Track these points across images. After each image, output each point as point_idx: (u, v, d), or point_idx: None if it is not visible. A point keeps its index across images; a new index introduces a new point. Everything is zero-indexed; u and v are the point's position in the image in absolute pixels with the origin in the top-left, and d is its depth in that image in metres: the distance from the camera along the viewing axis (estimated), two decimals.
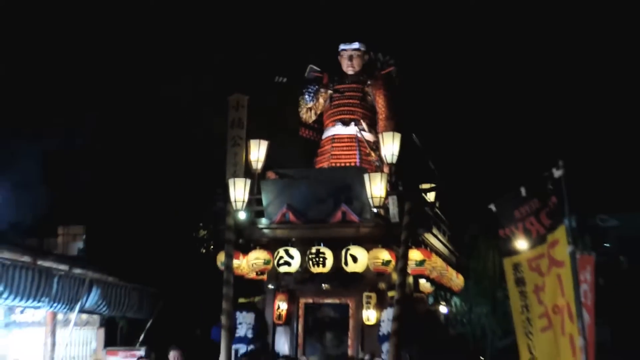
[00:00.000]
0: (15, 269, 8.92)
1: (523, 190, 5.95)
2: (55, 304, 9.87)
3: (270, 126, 12.60)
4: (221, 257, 10.81)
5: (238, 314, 10.92)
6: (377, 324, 10.44)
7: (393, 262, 10.31)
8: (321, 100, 12.61)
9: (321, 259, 10.62)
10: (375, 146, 11.76)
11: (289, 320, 11.10)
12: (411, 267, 10.44)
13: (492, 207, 6.44)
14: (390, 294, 10.27)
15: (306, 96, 12.63)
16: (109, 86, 18.45)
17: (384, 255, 10.35)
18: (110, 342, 13.27)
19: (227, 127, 11.89)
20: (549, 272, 5.65)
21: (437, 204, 12.22)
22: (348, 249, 10.53)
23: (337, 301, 11.08)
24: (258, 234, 11.33)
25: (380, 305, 10.59)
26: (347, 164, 11.91)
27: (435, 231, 11.77)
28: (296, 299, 11.21)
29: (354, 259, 10.49)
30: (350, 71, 12.70)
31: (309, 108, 12.67)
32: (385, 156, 11.03)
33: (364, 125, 12.21)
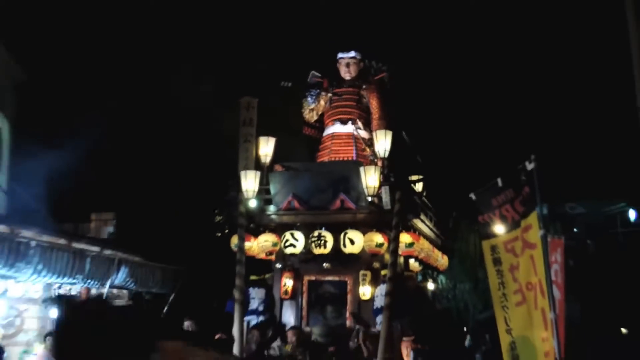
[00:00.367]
0: (53, 251, 8.94)
1: (499, 181, 5.95)
2: (88, 281, 9.89)
3: (277, 125, 12.53)
4: (234, 240, 10.80)
5: (250, 289, 10.89)
6: (372, 299, 10.41)
7: (386, 244, 10.28)
8: (322, 102, 12.57)
9: (322, 242, 10.61)
10: (370, 142, 11.73)
11: (294, 295, 11.08)
12: (402, 248, 10.42)
13: (473, 196, 6.42)
14: (383, 272, 10.25)
15: (309, 99, 12.59)
16: (138, 91, 18.52)
17: (378, 238, 10.34)
18: None
19: (239, 126, 11.86)
20: (522, 253, 5.64)
21: (424, 193, 12.18)
22: (346, 233, 10.51)
23: (336, 279, 11.06)
24: (267, 220, 11.30)
25: (375, 282, 10.56)
26: (345, 159, 11.87)
27: (422, 217, 11.74)
28: (300, 277, 11.19)
29: (351, 242, 10.48)
30: (347, 77, 12.65)
31: (311, 109, 12.63)
32: (378, 151, 11.00)
33: (360, 124, 12.17)
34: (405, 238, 10.43)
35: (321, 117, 12.77)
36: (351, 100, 12.41)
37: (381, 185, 10.46)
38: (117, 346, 6.54)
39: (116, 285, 10.97)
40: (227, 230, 15.65)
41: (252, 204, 11.01)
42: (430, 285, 17.12)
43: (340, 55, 12.74)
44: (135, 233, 14.05)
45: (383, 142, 10.90)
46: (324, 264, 10.91)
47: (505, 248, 5.94)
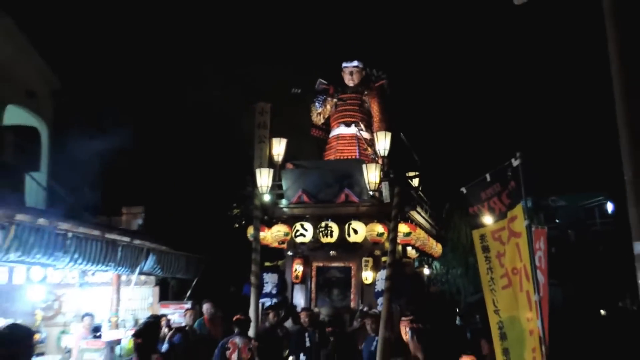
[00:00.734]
0: (88, 241, 8.89)
1: (488, 176, 5.90)
2: (119, 268, 9.84)
3: (288, 127, 12.49)
4: (250, 230, 10.77)
5: (264, 274, 10.88)
6: (373, 283, 10.39)
7: (385, 234, 10.23)
8: (328, 106, 12.57)
9: (329, 232, 10.58)
10: (371, 143, 11.69)
11: (304, 279, 11.06)
12: (400, 237, 10.35)
13: (464, 189, 6.38)
14: (384, 259, 10.20)
15: (316, 103, 12.61)
16: (165, 95, 18.60)
17: (379, 228, 10.30)
18: (163, 297, 13.30)
19: (254, 128, 11.85)
20: (508, 241, 5.60)
21: (420, 188, 12.17)
22: (350, 224, 10.47)
23: (341, 265, 11.02)
24: (279, 212, 11.28)
25: (376, 267, 10.53)
26: (349, 157, 11.83)
27: (419, 209, 11.69)
28: (310, 263, 11.16)
29: (355, 231, 10.45)
30: (351, 84, 12.60)
31: (319, 113, 12.63)
32: (379, 150, 10.97)
33: (362, 126, 12.14)
34: (403, 228, 10.38)
35: (327, 120, 12.75)
36: (354, 104, 12.38)
37: (381, 180, 10.45)
38: None
39: (144, 272, 10.94)
40: (243, 222, 15.68)
41: (266, 198, 11.01)
42: (426, 271, 17.07)
43: (344, 64, 12.71)
44: (162, 225, 14.04)
45: (383, 142, 10.88)
46: (331, 252, 10.89)
47: (493, 237, 5.90)
